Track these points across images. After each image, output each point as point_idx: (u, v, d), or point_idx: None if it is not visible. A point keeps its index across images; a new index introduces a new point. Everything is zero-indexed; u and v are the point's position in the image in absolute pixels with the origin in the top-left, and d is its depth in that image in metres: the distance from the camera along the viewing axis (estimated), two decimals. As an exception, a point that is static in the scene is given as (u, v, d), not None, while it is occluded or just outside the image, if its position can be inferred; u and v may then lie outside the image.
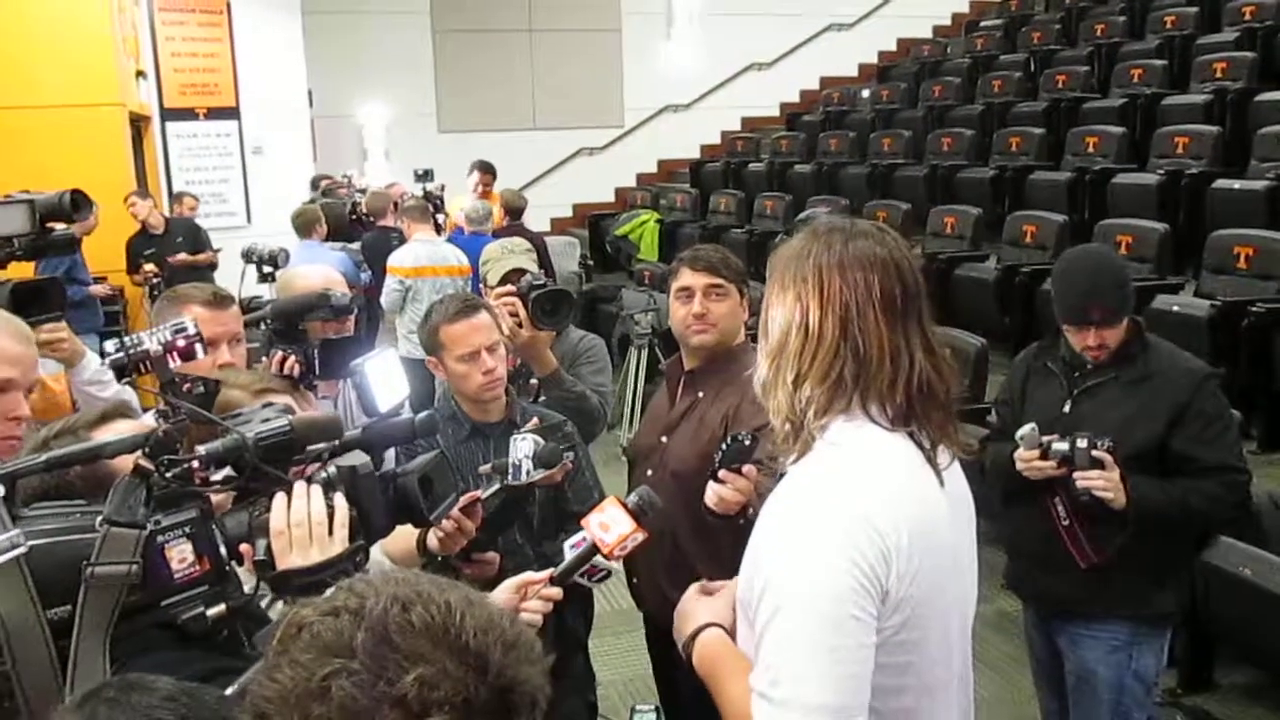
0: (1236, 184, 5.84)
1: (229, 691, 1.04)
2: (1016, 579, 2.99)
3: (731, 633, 1.51)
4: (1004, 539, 3.04)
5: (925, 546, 1.36)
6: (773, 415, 1.46)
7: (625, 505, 1.70)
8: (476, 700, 0.83)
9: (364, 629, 0.84)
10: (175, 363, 1.38)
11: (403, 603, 0.86)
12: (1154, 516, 2.55)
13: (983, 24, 11.83)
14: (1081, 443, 2.53)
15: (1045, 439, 2.59)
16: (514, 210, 7.55)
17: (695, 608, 1.58)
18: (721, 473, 1.98)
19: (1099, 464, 2.51)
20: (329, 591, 0.93)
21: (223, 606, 1.18)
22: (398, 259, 6.12)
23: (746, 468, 1.97)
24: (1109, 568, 2.60)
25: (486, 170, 8.24)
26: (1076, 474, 2.53)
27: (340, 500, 1.30)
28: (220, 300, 2.36)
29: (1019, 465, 2.63)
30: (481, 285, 3.52)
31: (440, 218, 7.36)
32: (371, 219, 7.87)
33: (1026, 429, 2.62)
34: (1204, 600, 3.41)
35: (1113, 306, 2.60)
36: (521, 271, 3.23)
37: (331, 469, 1.32)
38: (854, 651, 1.30)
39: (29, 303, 2.18)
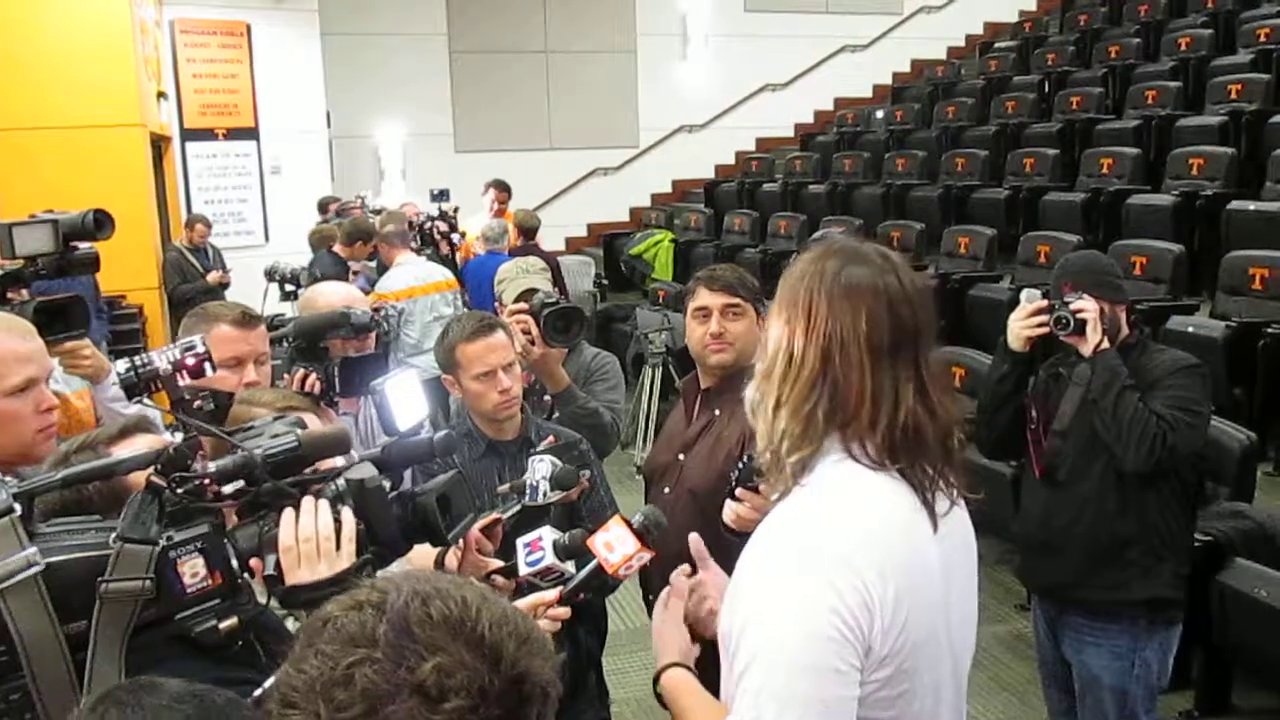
0: (1252, 205, 5.84)
1: (257, 693, 1.07)
2: (1025, 569, 3.14)
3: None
4: (1014, 534, 3.18)
5: (913, 597, 1.30)
6: (758, 441, 1.42)
7: (630, 525, 1.70)
8: (490, 689, 0.88)
9: (386, 621, 0.89)
10: (185, 380, 1.41)
11: (422, 597, 0.91)
12: (1107, 377, 2.68)
13: (997, 45, 11.88)
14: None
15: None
16: (527, 230, 7.59)
17: (671, 639, 1.57)
18: (738, 491, 1.98)
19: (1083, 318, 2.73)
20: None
21: (234, 619, 1.20)
22: (385, 285, 6.03)
23: (764, 486, 1.98)
24: (1106, 543, 2.74)
25: (502, 189, 8.29)
26: (1069, 299, 2.76)
27: (348, 514, 1.31)
28: (248, 319, 2.39)
29: (1012, 323, 2.85)
30: (496, 304, 3.55)
31: (455, 237, 7.39)
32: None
33: (1032, 290, 2.88)
34: (1220, 623, 3.40)
35: (1079, 283, 2.78)
36: (536, 291, 3.25)
37: (340, 483, 1.33)
38: (831, 705, 1.25)
39: (53, 321, 2.21)
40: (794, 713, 1.23)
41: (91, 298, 6.29)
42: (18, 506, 1.14)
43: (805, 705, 1.24)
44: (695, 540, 1.72)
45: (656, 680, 1.55)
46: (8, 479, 1.21)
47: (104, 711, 0.94)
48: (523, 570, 1.85)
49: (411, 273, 6.12)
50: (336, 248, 6.92)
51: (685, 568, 1.70)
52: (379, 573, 1.35)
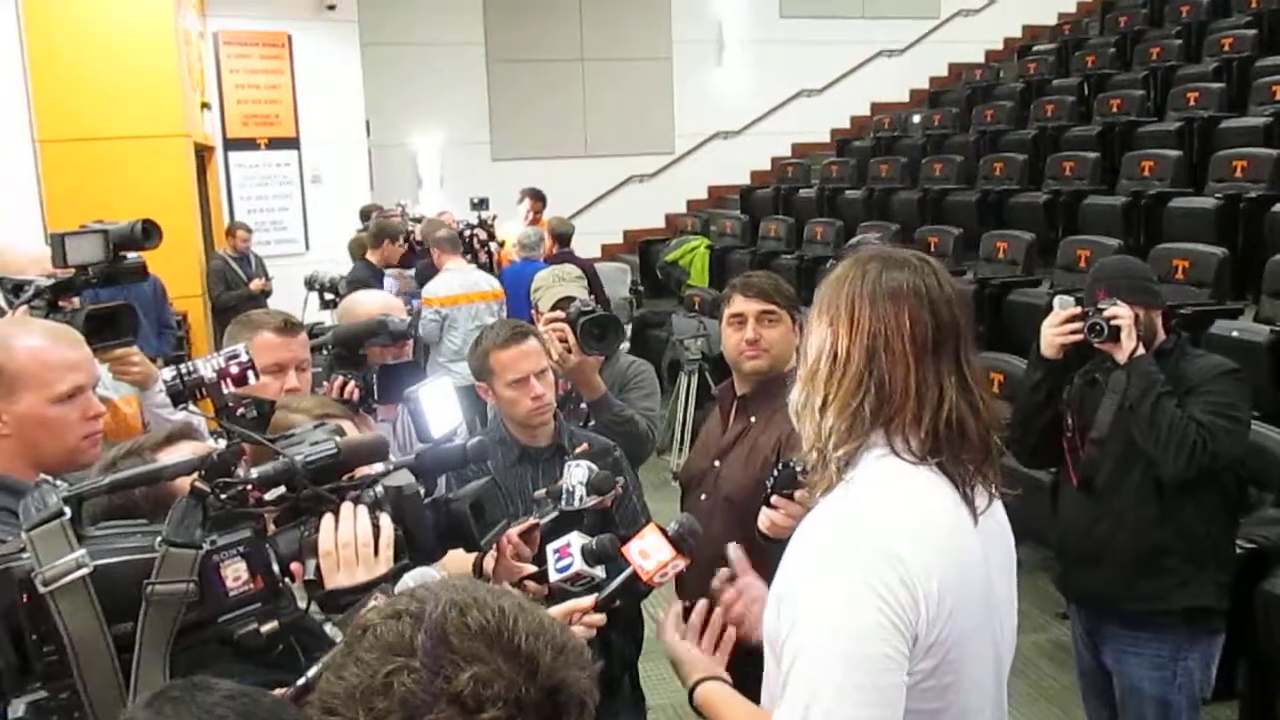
0: (1297, 207, 5.73)
1: (300, 682, 1.10)
2: (1064, 580, 3.07)
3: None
4: (1052, 543, 3.16)
5: (957, 590, 1.32)
6: (804, 442, 1.46)
7: (665, 532, 1.72)
8: (527, 699, 0.89)
9: (423, 630, 0.90)
10: (229, 388, 1.44)
11: (460, 607, 0.92)
12: (1144, 385, 2.64)
13: (1035, 48, 11.75)
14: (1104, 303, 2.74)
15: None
16: (562, 237, 7.64)
17: (690, 658, 1.60)
18: (774, 498, 1.99)
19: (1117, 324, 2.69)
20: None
21: (275, 623, 1.22)
22: (432, 289, 6.20)
23: (799, 493, 1.98)
24: (1146, 552, 2.70)
25: (537, 197, 8.35)
26: (1102, 306, 2.71)
27: (386, 520, 1.33)
28: (290, 327, 2.44)
29: (1046, 330, 2.80)
30: (533, 311, 3.58)
31: (493, 246, 7.45)
32: (424, 246, 8.00)
33: (1065, 297, 2.85)
34: (1265, 632, 3.34)
35: (1113, 289, 2.75)
36: (572, 299, 3.28)
37: (378, 489, 1.36)
38: (885, 692, 1.27)
39: (102, 328, 2.26)
40: (850, 701, 1.25)
41: (154, 312, 6.30)
42: (67, 510, 1.17)
43: (861, 693, 1.26)
44: (735, 550, 1.73)
45: (691, 696, 1.56)
46: (58, 483, 1.24)
47: (159, 707, 0.96)
48: (553, 576, 1.86)
49: (458, 280, 6.21)
50: (368, 252, 7.03)
51: (724, 571, 1.71)
52: (416, 570, 1.37)
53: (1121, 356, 2.69)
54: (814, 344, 1.45)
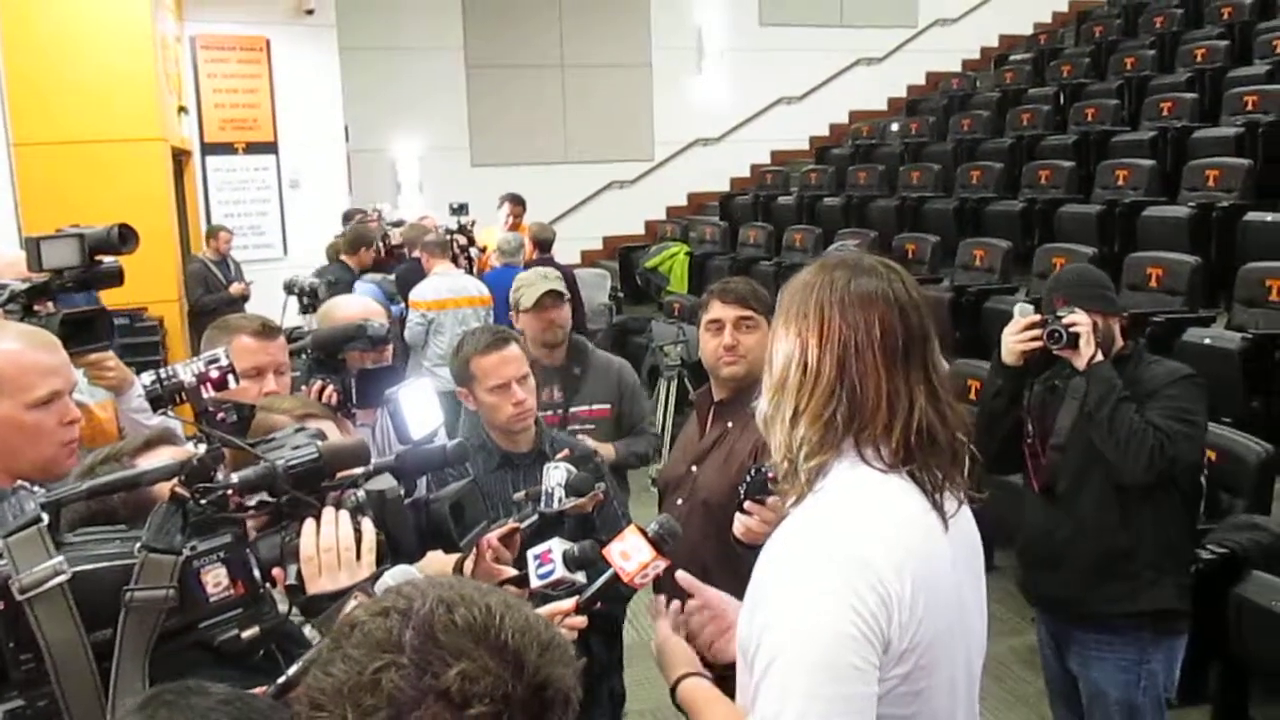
0: (1268, 216, 5.80)
1: (281, 680, 1.10)
2: (1028, 584, 3.10)
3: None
4: (1017, 549, 3.15)
5: (929, 594, 1.32)
6: (774, 452, 1.44)
7: (645, 534, 1.72)
8: (514, 695, 0.89)
9: (411, 627, 0.90)
10: (208, 393, 1.43)
11: (447, 604, 0.92)
12: (1102, 390, 2.68)
13: (1012, 58, 11.85)
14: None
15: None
16: (543, 243, 7.63)
17: (676, 653, 1.59)
18: (747, 504, 2.00)
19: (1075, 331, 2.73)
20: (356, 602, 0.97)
21: (256, 629, 1.22)
22: (419, 293, 6.21)
23: (771, 499, 1.99)
24: (1108, 556, 2.74)
25: (517, 202, 8.33)
26: (1061, 313, 2.75)
27: (368, 525, 1.33)
28: (268, 331, 2.44)
29: (1006, 338, 2.82)
30: (511, 313, 3.59)
31: (474, 252, 7.43)
32: (405, 250, 7.98)
33: (1025, 304, 2.89)
34: (1237, 635, 3.38)
35: (1071, 297, 2.79)
36: (556, 294, 3.31)
37: (360, 494, 1.36)
38: (853, 701, 1.27)
39: (78, 332, 2.25)
40: (816, 710, 1.25)
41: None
42: (45, 516, 1.16)
43: (828, 703, 1.26)
44: (683, 577, 1.73)
45: (673, 693, 1.56)
46: (35, 489, 1.23)
47: (153, 712, 0.96)
48: (534, 583, 1.86)
49: (446, 284, 6.21)
50: (343, 256, 7.04)
51: (676, 604, 1.71)
52: (396, 569, 1.37)
53: (1080, 363, 2.72)
54: (781, 353, 1.44)
